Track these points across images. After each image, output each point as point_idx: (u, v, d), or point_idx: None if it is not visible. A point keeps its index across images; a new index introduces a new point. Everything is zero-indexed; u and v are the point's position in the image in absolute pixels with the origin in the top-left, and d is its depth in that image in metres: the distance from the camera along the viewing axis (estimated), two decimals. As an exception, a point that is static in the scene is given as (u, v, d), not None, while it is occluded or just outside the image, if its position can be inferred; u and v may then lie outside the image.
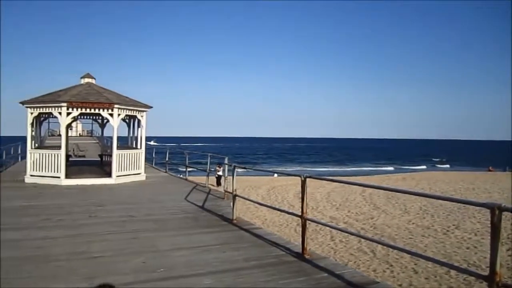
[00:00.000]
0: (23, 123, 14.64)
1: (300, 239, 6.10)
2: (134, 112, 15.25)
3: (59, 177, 13.61)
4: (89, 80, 16.01)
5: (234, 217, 8.23)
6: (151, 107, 15.95)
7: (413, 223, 16.29)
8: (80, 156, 26.02)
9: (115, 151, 14.21)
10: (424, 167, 67.88)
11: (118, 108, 14.20)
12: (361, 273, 5.58)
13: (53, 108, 13.83)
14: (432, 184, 31.43)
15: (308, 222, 6.16)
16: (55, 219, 8.22)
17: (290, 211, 8.25)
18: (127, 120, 17.93)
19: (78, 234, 7.04)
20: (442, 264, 4.68)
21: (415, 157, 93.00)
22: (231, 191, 8.88)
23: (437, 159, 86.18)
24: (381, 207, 19.83)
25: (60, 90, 14.83)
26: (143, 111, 15.61)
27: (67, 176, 13.86)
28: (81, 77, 16.12)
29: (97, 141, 40.10)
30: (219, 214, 8.96)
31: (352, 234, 6.98)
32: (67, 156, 15.21)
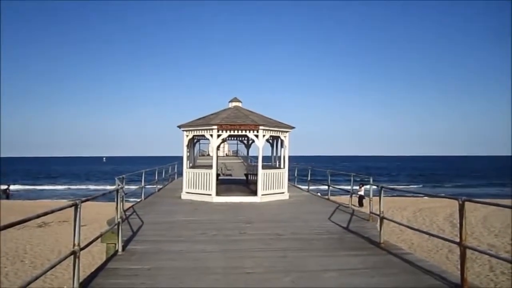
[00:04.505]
0: (170, 144, 16.21)
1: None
2: (278, 133, 15.83)
3: (210, 195, 14.71)
4: (237, 103, 17.21)
5: (382, 240, 7.90)
6: (294, 127, 16.36)
7: None
8: (227, 175, 27.87)
9: (261, 171, 14.86)
10: None
11: (263, 130, 14.89)
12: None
13: (205, 131, 15.10)
14: None
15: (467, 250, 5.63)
16: (210, 233, 8.93)
17: (446, 237, 7.63)
18: (270, 141, 18.68)
19: (231, 249, 7.53)
20: None
21: None
22: (377, 212, 8.60)
23: None
24: (554, 236, 17.12)
25: (211, 114, 16.16)
26: (286, 131, 16.10)
27: (217, 193, 14.91)
28: (229, 101, 17.41)
29: (242, 160, 42.50)
30: (365, 236, 8.72)
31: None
32: (217, 175, 16.39)
